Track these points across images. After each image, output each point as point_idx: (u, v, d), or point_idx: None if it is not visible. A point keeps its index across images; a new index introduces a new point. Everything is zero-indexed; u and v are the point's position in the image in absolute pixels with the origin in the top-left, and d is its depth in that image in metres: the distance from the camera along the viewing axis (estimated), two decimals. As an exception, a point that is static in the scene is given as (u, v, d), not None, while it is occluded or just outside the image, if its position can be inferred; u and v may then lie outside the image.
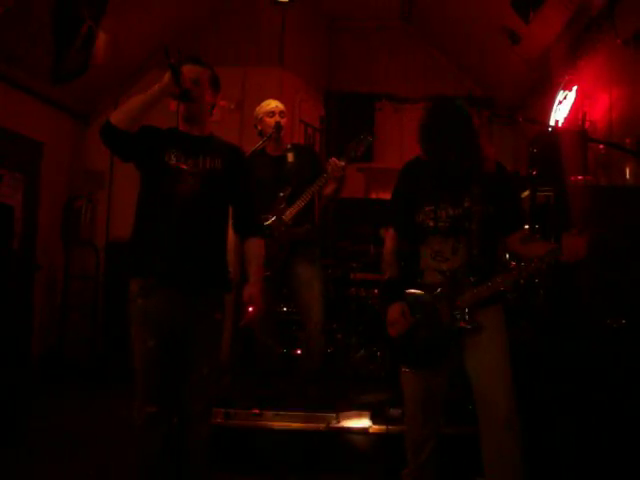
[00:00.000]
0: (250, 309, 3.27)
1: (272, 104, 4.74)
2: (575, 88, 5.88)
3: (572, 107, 5.87)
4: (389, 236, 3.32)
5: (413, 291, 3.12)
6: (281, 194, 4.57)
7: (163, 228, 3.10)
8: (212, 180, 3.20)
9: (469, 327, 2.99)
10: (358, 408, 4.37)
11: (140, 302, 3.11)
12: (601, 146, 5.06)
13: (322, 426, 4.21)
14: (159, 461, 3.07)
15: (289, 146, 4.79)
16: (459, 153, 3.08)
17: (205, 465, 3.20)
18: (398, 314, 3.08)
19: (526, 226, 3.17)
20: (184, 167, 3.16)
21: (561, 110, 6.01)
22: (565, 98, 5.97)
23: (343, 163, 4.46)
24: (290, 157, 4.71)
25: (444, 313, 3.03)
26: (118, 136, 3.04)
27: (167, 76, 3.06)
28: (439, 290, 3.05)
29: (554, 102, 6.16)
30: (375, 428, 4.16)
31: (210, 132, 3.38)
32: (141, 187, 3.26)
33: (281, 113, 4.71)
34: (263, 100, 4.85)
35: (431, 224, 3.10)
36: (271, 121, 4.66)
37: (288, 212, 4.54)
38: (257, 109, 4.80)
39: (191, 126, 3.29)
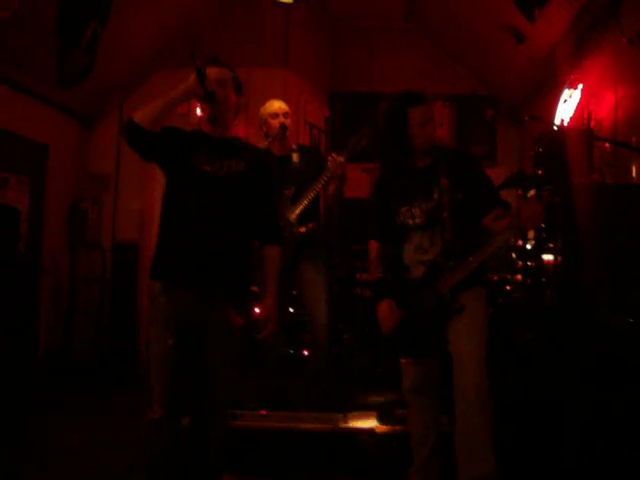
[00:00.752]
0: (267, 327, 3.20)
1: (275, 105, 4.73)
2: (580, 87, 5.87)
3: (577, 106, 5.86)
4: (372, 247, 3.52)
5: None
6: (285, 193, 4.57)
7: (187, 230, 3.08)
8: (235, 183, 3.19)
9: (453, 308, 3.12)
10: (365, 409, 4.36)
11: (162, 300, 3.07)
12: (607, 145, 5.06)
13: (329, 427, 4.21)
14: (168, 465, 3.03)
15: (294, 147, 4.79)
16: (396, 149, 3.33)
17: (218, 468, 3.17)
18: (387, 310, 3.27)
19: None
20: (208, 169, 3.15)
21: (566, 109, 6.00)
22: (570, 97, 5.96)
23: (342, 158, 4.46)
24: (295, 157, 4.71)
25: (428, 299, 3.16)
26: (141, 135, 3.05)
27: (193, 77, 3.06)
28: (420, 279, 3.21)
29: (559, 101, 6.15)
30: (382, 428, 4.15)
31: (235, 135, 3.38)
32: (166, 189, 3.25)
33: (285, 114, 4.70)
34: (267, 101, 4.84)
35: (410, 222, 3.28)
36: (275, 122, 4.65)
37: (292, 211, 4.53)
38: (261, 110, 4.79)
39: (215, 128, 3.28)
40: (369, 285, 3.53)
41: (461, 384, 3.05)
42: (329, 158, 4.50)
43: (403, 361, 3.34)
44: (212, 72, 3.19)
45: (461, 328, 3.11)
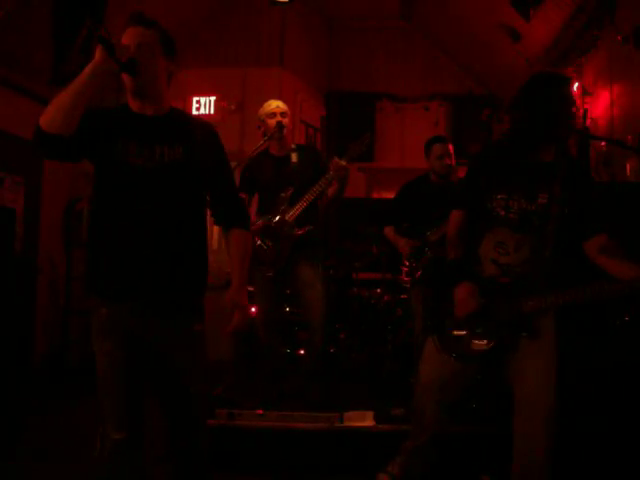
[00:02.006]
0: (236, 316, 2.77)
1: (273, 105, 4.73)
2: (576, 85, 5.88)
3: (573, 104, 5.86)
4: (454, 217, 3.16)
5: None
6: (283, 194, 4.57)
7: (122, 237, 2.57)
8: (172, 174, 2.61)
9: (527, 331, 2.89)
10: (362, 408, 4.36)
11: (104, 311, 2.64)
12: (602, 143, 5.07)
13: (326, 426, 4.21)
14: None
15: (293, 147, 4.78)
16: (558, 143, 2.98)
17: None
18: (468, 294, 2.95)
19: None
20: (137, 162, 2.57)
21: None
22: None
23: (344, 163, 4.46)
24: (294, 158, 4.70)
25: (504, 311, 2.92)
26: (53, 142, 2.44)
27: (98, 52, 2.45)
28: (507, 287, 2.93)
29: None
30: (379, 428, 4.15)
31: (169, 107, 2.72)
32: (93, 186, 2.70)
33: (282, 114, 4.69)
34: (263, 100, 4.84)
35: (502, 213, 2.96)
36: (272, 122, 4.64)
37: (290, 212, 4.53)
38: (260, 110, 4.79)
39: (143, 103, 2.64)
40: (446, 263, 3.14)
41: (532, 416, 2.87)
42: (332, 163, 4.49)
43: (438, 350, 3.05)
44: (130, 35, 2.63)
45: (535, 348, 2.90)
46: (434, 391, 3.13)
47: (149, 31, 2.67)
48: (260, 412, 4.34)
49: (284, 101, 4.87)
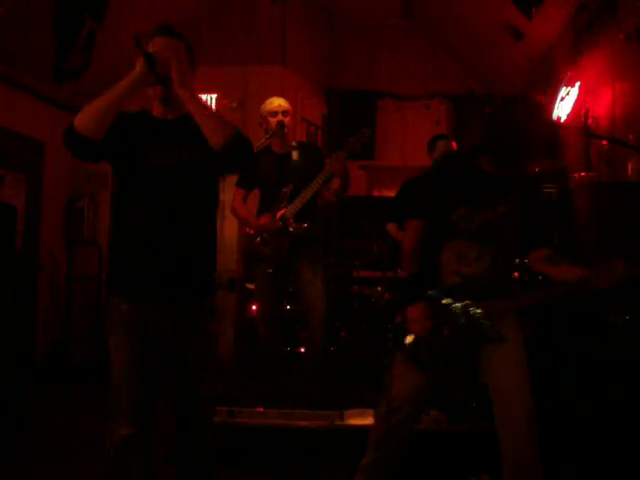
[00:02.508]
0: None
1: (275, 103, 4.73)
2: (578, 84, 5.88)
3: (575, 103, 5.86)
4: (412, 228, 3.19)
5: (444, 300, 3.01)
6: (284, 191, 4.57)
7: (142, 236, 2.71)
8: (191, 171, 2.75)
9: (490, 336, 2.92)
10: (362, 406, 4.36)
11: (125, 308, 2.72)
12: (604, 142, 5.06)
13: (326, 424, 4.21)
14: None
15: (294, 144, 4.78)
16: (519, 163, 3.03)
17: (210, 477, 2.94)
18: (421, 313, 2.98)
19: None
20: (157, 163, 2.71)
21: (564, 106, 6.01)
22: (568, 94, 5.97)
23: (342, 155, 4.46)
24: (295, 155, 4.70)
25: (464, 319, 2.94)
26: (84, 144, 2.62)
27: (140, 65, 2.62)
28: (465, 301, 2.95)
29: (557, 98, 6.16)
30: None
31: (185, 112, 2.80)
32: (115, 188, 2.85)
33: (284, 112, 4.70)
34: (265, 99, 4.84)
35: (462, 226, 2.98)
36: (274, 120, 4.65)
37: (290, 209, 4.53)
38: (262, 107, 4.79)
39: (167, 108, 2.81)
40: (400, 280, 3.22)
41: (511, 417, 2.90)
42: (332, 155, 4.50)
43: (405, 365, 3.08)
44: (160, 45, 2.77)
45: (504, 349, 2.93)
46: (406, 405, 3.11)
47: (179, 43, 2.85)
48: (260, 410, 4.34)
49: (285, 99, 4.86)
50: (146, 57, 2.61)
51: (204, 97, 7.65)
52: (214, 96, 7.82)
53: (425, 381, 3.09)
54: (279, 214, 4.53)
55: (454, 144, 4.92)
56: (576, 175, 4.71)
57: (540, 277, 4.62)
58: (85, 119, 2.62)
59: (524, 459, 2.88)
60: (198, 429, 2.85)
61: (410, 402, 3.12)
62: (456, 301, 2.96)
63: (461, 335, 2.96)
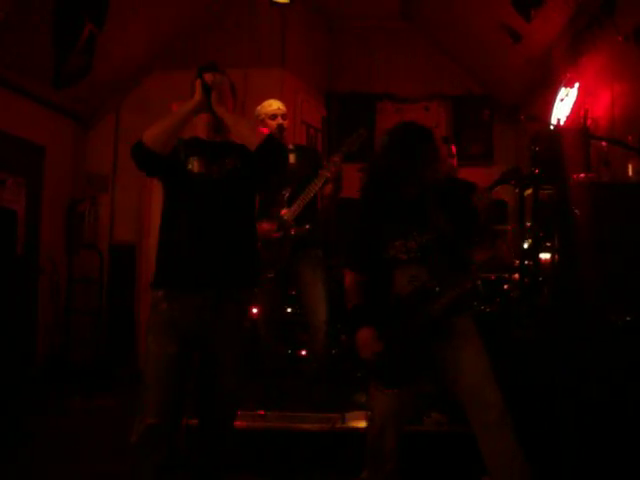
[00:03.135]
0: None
1: (274, 105, 4.74)
2: (577, 85, 5.88)
3: (574, 104, 5.86)
4: (348, 275, 3.35)
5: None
6: (282, 194, 4.58)
7: (188, 237, 3.02)
8: (233, 180, 3.12)
9: (444, 330, 3.04)
10: (363, 408, 4.36)
11: (164, 307, 2.99)
12: (603, 143, 5.06)
13: (327, 427, 4.21)
14: (158, 471, 2.91)
15: (291, 147, 4.79)
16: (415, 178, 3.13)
17: (222, 476, 3.12)
18: (367, 337, 3.12)
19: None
20: (203, 172, 3.10)
21: (563, 108, 6.00)
22: (567, 95, 5.97)
23: (338, 158, 4.48)
24: (292, 158, 4.70)
25: (417, 323, 3.06)
26: (152, 158, 3.00)
27: (198, 94, 3.05)
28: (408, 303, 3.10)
29: (556, 100, 6.16)
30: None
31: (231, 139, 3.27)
32: (165, 198, 3.20)
33: (283, 115, 4.71)
34: (264, 101, 4.84)
35: (403, 257, 3.13)
36: (273, 123, 4.66)
37: (289, 212, 4.54)
38: (258, 109, 4.79)
39: (215, 135, 3.22)
40: (346, 314, 3.38)
41: (482, 407, 2.97)
42: (331, 159, 4.51)
43: (377, 389, 3.18)
44: (212, 79, 3.13)
45: (462, 349, 3.05)
46: (389, 427, 3.19)
47: (225, 78, 3.22)
48: (261, 413, 4.35)
49: (285, 102, 4.88)
50: (204, 87, 3.03)
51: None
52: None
53: (399, 399, 3.16)
54: (283, 212, 4.54)
55: (453, 147, 4.92)
56: (575, 176, 4.70)
57: (540, 279, 4.64)
58: (154, 136, 2.99)
59: (507, 458, 2.92)
60: (220, 427, 3.08)
61: (392, 423, 3.19)
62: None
63: (412, 342, 3.06)
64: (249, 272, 3.18)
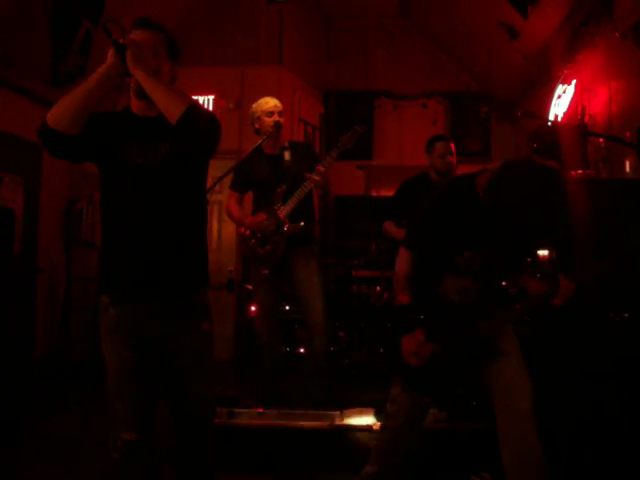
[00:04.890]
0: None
1: (271, 103, 4.73)
2: (574, 82, 5.88)
3: (571, 101, 5.87)
4: (405, 258, 3.11)
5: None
6: (277, 191, 4.58)
7: (128, 235, 2.64)
8: (175, 168, 2.65)
9: (492, 351, 2.97)
10: (362, 405, 4.37)
11: (113, 311, 2.68)
12: (601, 140, 5.07)
13: (326, 424, 4.21)
14: None
15: (287, 144, 4.79)
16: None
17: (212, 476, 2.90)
18: (417, 346, 2.94)
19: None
20: (141, 161, 2.62)
21: (560, 104, 6.01)
22: (564, 92, 5.97)
23: (323, 169, 4.49)
24: (287, 155, 4.71)
25: (466, 339, 2.96)
26: (60, 139, 2.53)
27: (110, 55, 2.51)
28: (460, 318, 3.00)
29: (553, 96, 6.16)
30: (379, 425, 4.15)
31: None
32: (100, 188, 2.79)
33: (280, 113, 4.71)
34: (261, 98, 4.84)
35: (463, 265, 2.98)
36: (270, 121, 4.65)
37: (283, 210, 4.54)
38: (254, 107, 4.78)
39: (147, 105, 2.66)
40: (394, 309, 3.18)
41: (517, 414, 2.94)
42: (317, 169, 4.51)
43: (410, 393, 3.11)
44: (137, 36, 2.69)
45: (510, 362, 2.99)
46: (405, 424, 3.17)
47: (154, 34, 2.75)
48: (260, 410, 4.35)
49: (282, 99, 4.88)
50: (116, 46, 2.51)
51: (201, 98, 7.66)
52: (211, 97, 7.83)
53: (424, 401, 3.15)
54: (279, 210, 4.55)
55: (452, 145, 4.92)
56: (573, 173, 4.71)
57: (538, 275, 4.64)
58: (57, 113, 2.52)
59: (532, 457, 2.90)
60: (194, 430, 2.79)
61: (412, 421, 3.18)
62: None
63: (461, 356, 2.96)
64: (198, 272, 2.81)
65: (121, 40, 2.53)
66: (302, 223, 4.56)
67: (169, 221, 2.65)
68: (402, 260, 3.12)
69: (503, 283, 3.06)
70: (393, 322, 3.20)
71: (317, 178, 4.46)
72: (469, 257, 2.97)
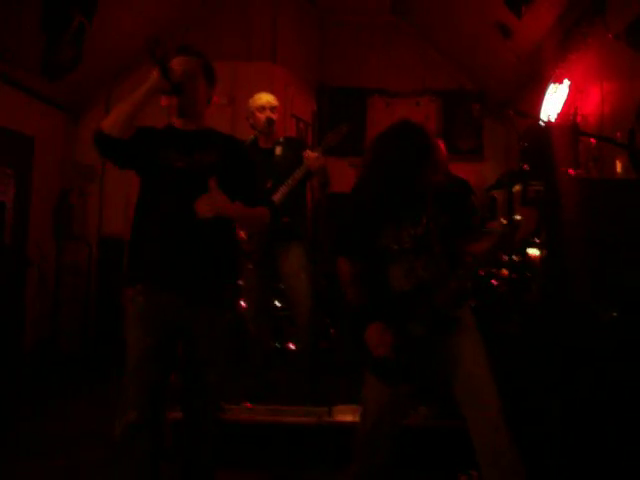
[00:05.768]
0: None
1: (263, 99, 4.75)
2: (566, 82, 5.89)
3: (564, 101, 5.88)
4: (341, 263, 3.25)
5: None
6: (266, 185, 4.58)
7: (163, 231, 2.93)
8: (208, 174, 2.94)
9: (450, 320, 3.02)
10: (350, 402, 4.37)
11: (141, 300, 2.93)
12: (592, 140, 5.08)
13: (314, 420, 4.22)
14: (141, 475, 2.85)
15: (281, 139, 4.80)
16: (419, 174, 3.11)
17: (211, 465, 3.08)
18: (378, 334, 3.03)
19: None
20: (179, 165, 2.99)
21: (552, 104, 6.02)
22: (556, 92, 5.98)
23: (316, 154, 4.48)
24: (278, 150, 4.73)
25: (423, 317, 3.01)
26: (112, 145, 2.90)
27: (155, 73, 2.92)
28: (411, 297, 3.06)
29: (545, 96, 6.17)
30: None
31: (208, 126, 3.21)
32: (140, 191, 3.10)
33: (272, 108, 4.72)
34: (256, 94, 4.85)
35: (395, 247, 3.09)
36: (262, 116, 4.68)
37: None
38: (250, 102, 4.80)
39: (185, 121, 3.12)
40: (350, 310, 3.30)
41: (481, 405, 2.96)
42: (304, 154, 4.51)
43: (379, 385, 3.13)
44: (179, 62, 3.08)
45: (463, 347, 3.03)
46: (383, 422, 3.18)
47: (194, 60, 3.16)
48: (249, 406, 4.35)
49: (275, 95, 4.88)
50: (160, 64, 2.91)
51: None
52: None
53: (396, 394, 3.15)
54: None
55: (442, 144, 4.91)
56: (564, 173, 4.72)
57: (529, 274, 4.65)
58: (111, 121, 2.89)
59: (503, 452, 2.90)
60: (204, 419, 3.03)
61: (387, 418, 3.18)
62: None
63: (422, 336, 3.01)
64: (227, 268, 3.10)
65: (164, 59, 2.96)
66: (286, 219, 4.54)
67: (201, 221, 2.89)
68: (342, 268, 3.25)
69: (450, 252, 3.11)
70: (353, 326, 3.24)
71: (315, 155, 4.44)
72: (393, 235, 3.09)
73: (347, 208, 3.40)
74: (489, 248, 3.06)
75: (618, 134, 4.70)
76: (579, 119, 5.53)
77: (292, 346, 5.60)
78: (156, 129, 3.14)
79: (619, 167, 4.74)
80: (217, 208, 2.87)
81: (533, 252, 4.69)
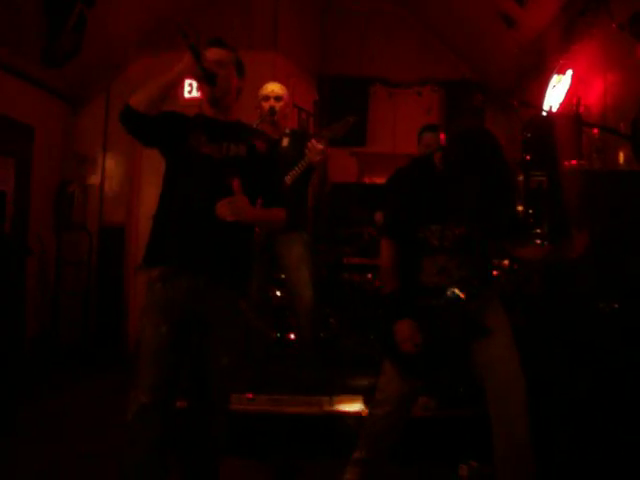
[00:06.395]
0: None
1: (268, 88, 4.77)
2: (569, 72, 5.87)
3: (566, 91, 5.86)
4: (386, 246, 3.21)
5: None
6: None
7: (187, 215, 2.97)
8: (236, 166, 3.03)
9: (481, 329, 3.01)
10: (351, 392, 4.37)
11: (159, 286, 2.95)
12: (595, 130, 5.06)
13: (315, 410, 4.22)
14: (151, 458, 2.85)
15: (287, 131, 4.80)
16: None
17: (215, 458, 3.08)
18: (409, 330, 3.01)
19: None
20: (208, 151, 3.04)
21: (555, 94, 6.00)
22: (559, 82, 5.96)
23: (322, 146, 4.47)
24: (285, 142, 4.72)
25: (454, 320, 3.01)
26: (138, 119, 2.92)
27: (187, 57, 2.97)
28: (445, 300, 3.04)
29: (548, 86, 6.15)
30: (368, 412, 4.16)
31: (237, 118, 3.26)
32: (165, 173, 3.12)
33: (276, 97, 4.72)
34: (256, 84, 4.83)
35: (435, 243, 3.07)
36: (266, 106, 4.69)
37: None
38: (258, 92, 4.82)
39: (216, 111, 3.17)
40: (382, 298, 3.28)
41: (508, 401, 2.96)
42: (308, 145, 4.50)
43: (400, 376, 3.14)
44: (212, 53, 3.16)
45: (500, 345, 3.02)
46: (395, 410, 3.20)
47: (227, 53, 3.25)
48: (250, 396, 4.35)
49: (276, 83, 4.87)
50: (192, 50, 2.96)
51: (195, 83, 7.60)
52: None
53: (413, 386, 3.17)
54: None
55: (442, 135, 4.91)
56: (567, 163, 4.71)
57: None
58: (139, 97, 2.92)
59: (521, 445, 2.93)
60: (215, 407, 3.03)
61: (398, 406, 3.20)
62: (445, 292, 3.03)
63: (452, 338, 3.01)
64: (245, 255, 3.14)
65: (196, 44, 3.00)
66: (288, 210, 4.53)
67: None
68: (385, 251, 3.23)
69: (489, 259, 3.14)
70: (384, 312, 3.23)
71: (320, 148, 4.43)
72: (438, 233, 3.07)
73: (398, 191, 3.38)
74: (541, 259, 3.10)
75: (621, 125, 4.68)
76: (582, 109, 5.51)
77: (293, 336, 5.61)
78: (186, 115, 3.19)
79: (622, 158, 4.73)
80: (238, 215, 2.86)
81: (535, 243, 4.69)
